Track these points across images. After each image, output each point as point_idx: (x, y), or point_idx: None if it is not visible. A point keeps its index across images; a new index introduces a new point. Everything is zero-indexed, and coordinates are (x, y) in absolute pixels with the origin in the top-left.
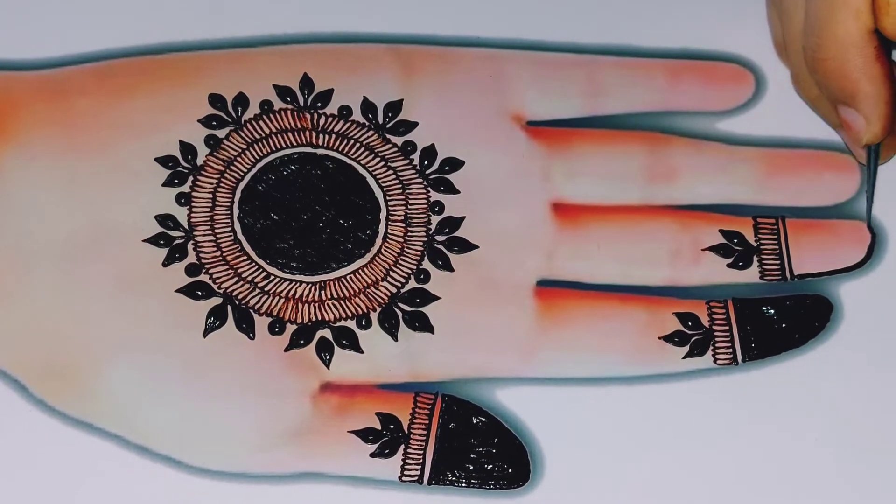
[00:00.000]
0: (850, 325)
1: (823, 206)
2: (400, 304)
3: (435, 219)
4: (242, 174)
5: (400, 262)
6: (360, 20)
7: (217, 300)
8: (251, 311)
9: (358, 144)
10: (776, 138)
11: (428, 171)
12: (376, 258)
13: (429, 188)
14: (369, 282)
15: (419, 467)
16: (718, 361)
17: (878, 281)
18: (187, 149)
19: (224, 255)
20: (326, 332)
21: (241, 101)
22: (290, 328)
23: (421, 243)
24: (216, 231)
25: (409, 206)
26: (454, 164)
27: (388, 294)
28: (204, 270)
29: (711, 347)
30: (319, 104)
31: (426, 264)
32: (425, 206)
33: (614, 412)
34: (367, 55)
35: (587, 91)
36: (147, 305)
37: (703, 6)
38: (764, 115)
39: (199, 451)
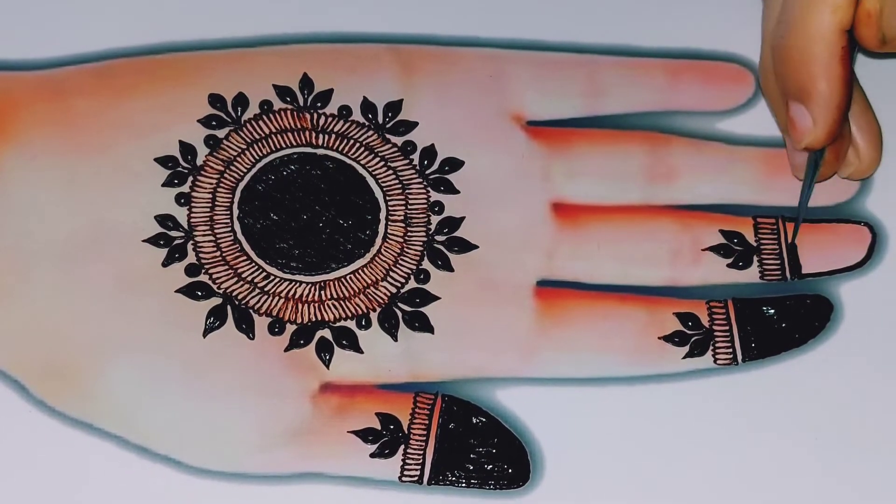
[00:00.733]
0: (850, 325)
1: (823, 206)
2: (400, 305)
3: (435, 219)
4: (242, 174)
5: (400, 262)
6: (359, 20)
7: (217, 300)
8: (251, 311)
9: (358, 144)
10: (776, 138)
11: (428, 171)
12: (376, 258)
13: (429, 188)
14: (369, 282)
15: (419, 467)
16: (718, 361)
17: (878, 281)
18: (187, 149)
19: (224, 255)
20: (326, 333)
21: (241, 101)
22: (290, 328)
23: (421, 243)
24: (216, 231)
25: (409, 206)
26: (454, 164)
27: (388, 294)
28: (204, 271)
29: (711, 347)
30: (319, 104)
31: (426, 264)
32: (425, 206)
33: (614, 412)
34: (367, 55)
35: (587, 91)
36: (147, 306)
37: (703, 6)
38: (764, 115)
39: (198, 452)
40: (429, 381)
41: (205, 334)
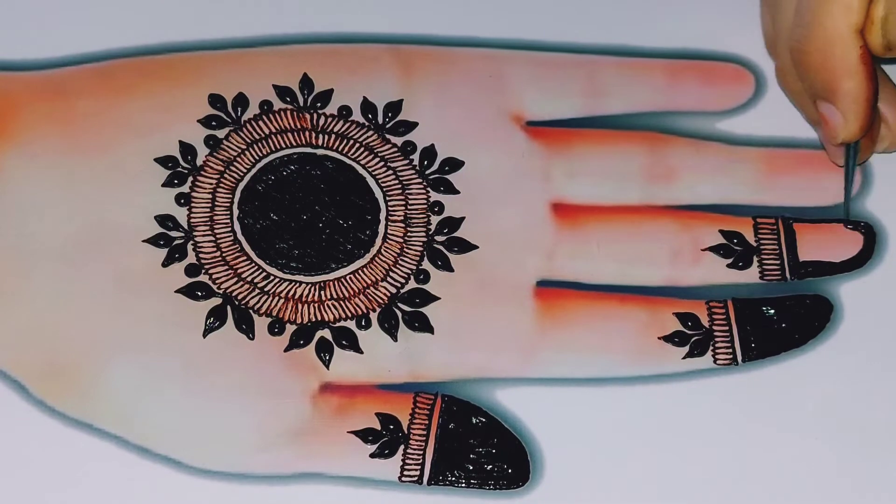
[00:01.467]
0: (850, 325)
1: (823, 206)
2: (400, 305)
3: (435, 219)
4: (242, 174)
5: (400, 262)
6: (359, 20)
7: (217, 300)
8: (251, 311)
9: (358, 145)
10: (776, 138)
11: (428, 172)
12: (376, 258)
13: (428, 188)
14: (369, 282)
15: (419, 468)
16: (718, 361)
17: (878, 281)
18: (187, 149)
19: (224, 255)
20: (326, 333)
21: (241, 101)
22: (290, 328)
23: (421, 243)
24: (216, 231)
25: (409, 207)
26: (454, 164)
27: (388, 294)
28: (204, 271)
29: (711, 347)
30: (319, 104)
31: (426, 264)
32: (425, 206)
33: (614, 412)
34: (367, 55)
35: (587, 91)
36: (147, 306)
37: (703, 6)
38: (764, 115)
39: (198, 452)
40: (429, 382)
41: (205, 334)
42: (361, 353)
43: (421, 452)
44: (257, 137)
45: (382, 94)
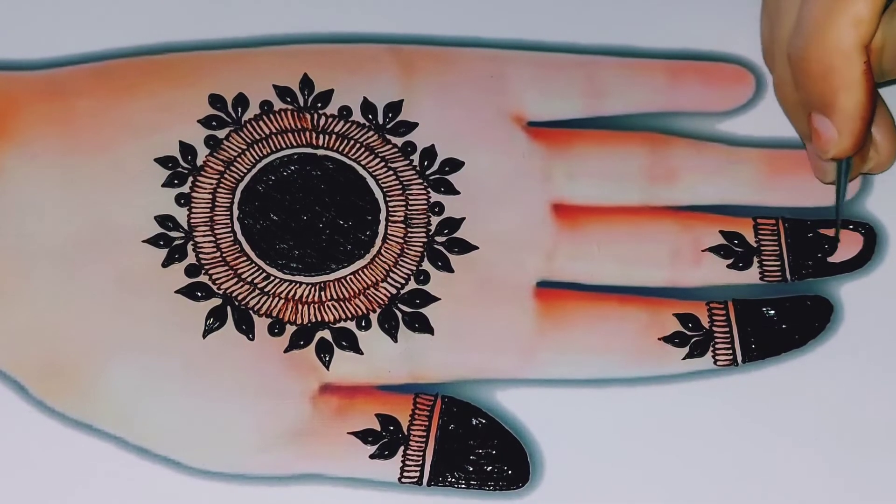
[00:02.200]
0: (850, 325)
1: (824, 207)
2: (400, 305)
3: (435, 219)
4: (242, 175)
5: (400, 263)
6: (360, 20)
7: (217, 301)
8: (251, 311)
9: (358, 145)
10: (776, 139)
11: (428, 172)
12: (376, 259)
13: (429, 189)
14: (369, 283)
15: (419, 469)
16: (718, 362)
17: (878, 281)
18: (187, 149)
19: (224, 255)
20: (326, 334)
21: (241, 101)
22: (290, 329)
23: (421, 244)
24: (216, 232)
25: (409, 207)
26: (454, 164)
27: (388, 295)
28: (204, 271)
29: (711, 348)
30: (319, 104)
31: (426, 265)
32: (425, 206)
33: (614, 413)
34: (367, 55)
35: (588, 91)
36: (147, 306)
37: (704, 7)
38: (764, 115)
39: (198, 452)
40: (428, 383)
41: (205, 335)
42: (361, 353)
43: (421, 453)
44: (257, 138)
45: (383, 94)
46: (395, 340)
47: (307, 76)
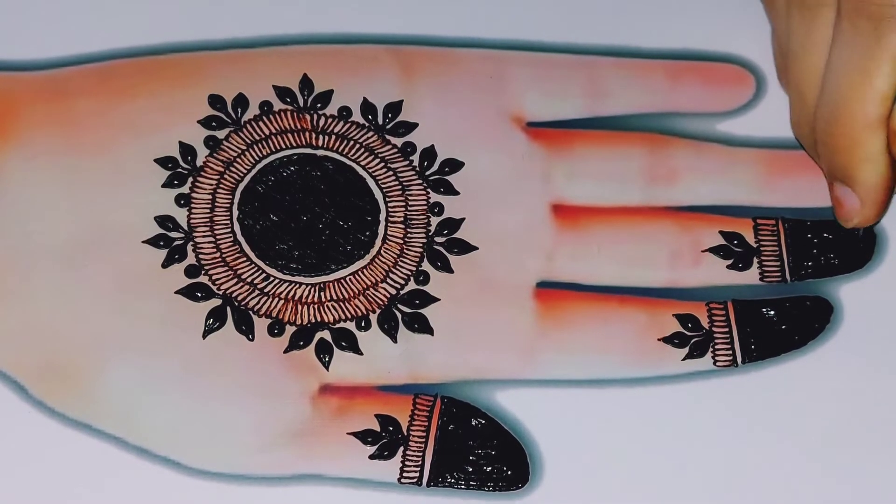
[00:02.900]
0: (850, 326)
1: (824, 207)
2: (399, 306)
3: (434, 220)
4: (242, 175)
5: (399, 263)
6: (360, 21)
7: (216, 301)
8: (250, 312)
9: (358, 145)
10: (776, 139)
11: (428, 173)
12: (376, 260)
13: (428, 189)
14: (369, 283)
15: (418, 469)
16: (718, 363)
17: (878, 282)
18: (187, 150)
19: (223, 256)
20: (326, 334)
21: (241, 101)
22: (290, 330)
23: (420, 245)
24: (216, 232)
25: (409, 208)
26: (454, 165)
27: (388, 296)
28: (203, 272)
29: (711, 349)
30: (319, 105)
31: (426, 266)
32: (425, 207)
33: (614, 414)
34: (367, 56)
35: (587, 92)
36: (146, 307)
37: (704, 7)
38: (764, 116)
39: (198, 453)
40: (428, 383)
41: (204, 335)
42: (361, 354)
43: (420, 454)
44: (257, 138)
45: (382, 94)
46: (395, 341)
47: (307, 76)
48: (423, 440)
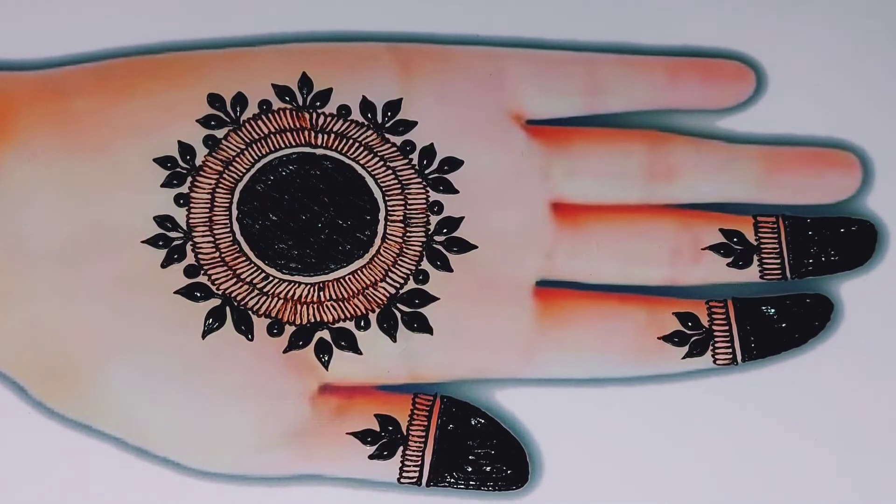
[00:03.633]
0: (850, 324)
1: (824, 205)
2: (399, 305)
3: (434, 219)
4: (241, 175)
5: (399, 262)
6: (359, 19)
7: (216, 301)
8: (250, 312)
9: (357, 144)
10: (777, 136)
11: (427, 171)
12: (375, 259)
13: (428, 188)
14: (368, 283)
15: (418, 469)
16: (718, 361)
17: (878, 280)
18: (186, 149)
19: (223, 256)
20: (325, 334)
21: (240, 100)
22: (289, 329)
23: (420, 243)
24: (215, 232)
25: (408, 206)
26: (453, 163)
27: (387, 295)
28: (203, 272)
29: (711, 347)
30: (318, 103)
31: (425, 265)
32: (424, 205)
33: (613, 413)
34: (366, 54)
35: (587, 89)
36: (146, 307)
37: (704, 3)
38: (765, 112)
39: (197, 453)
40: (428, 382)
41: (204, 335)
42: (360, 353)
43: (420, 453)
44: (256, 137)
45: (381, 92)
46: (395, 340)
47: (306, 75)
48: (423, 440)
